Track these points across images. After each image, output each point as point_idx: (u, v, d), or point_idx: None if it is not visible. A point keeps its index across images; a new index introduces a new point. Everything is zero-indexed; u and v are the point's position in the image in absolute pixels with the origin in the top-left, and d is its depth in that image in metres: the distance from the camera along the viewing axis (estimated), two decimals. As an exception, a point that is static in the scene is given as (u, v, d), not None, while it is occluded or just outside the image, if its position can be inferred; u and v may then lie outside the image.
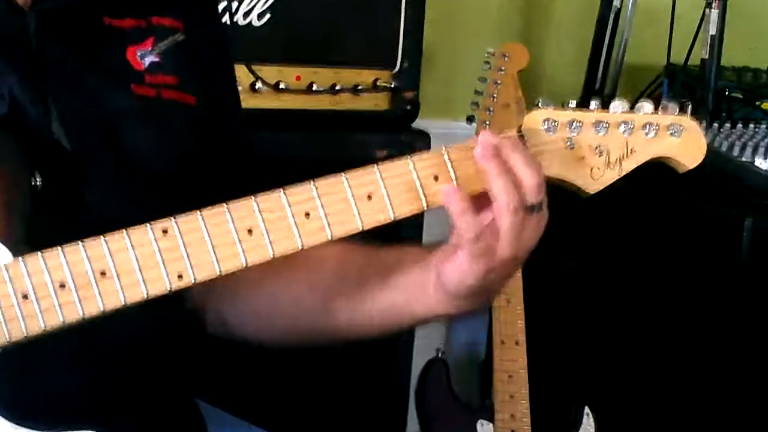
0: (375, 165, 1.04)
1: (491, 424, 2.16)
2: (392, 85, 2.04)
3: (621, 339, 2.28)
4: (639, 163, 1.10)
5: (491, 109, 2.08)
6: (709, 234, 2.09)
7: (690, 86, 2.32)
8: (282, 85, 1.95)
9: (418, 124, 2.10)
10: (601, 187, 1.10)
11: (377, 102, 2.04)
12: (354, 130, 2.02)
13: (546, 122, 1.10)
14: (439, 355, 2.26)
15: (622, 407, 2.25)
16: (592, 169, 1.09)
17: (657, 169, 1.13)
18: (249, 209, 1.02)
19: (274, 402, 1.97)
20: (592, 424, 2.20)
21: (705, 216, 2.09)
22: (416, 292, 1.10)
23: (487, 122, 2.07)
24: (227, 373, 1.84)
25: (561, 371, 2.33)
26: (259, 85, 1.92)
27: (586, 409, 2.21)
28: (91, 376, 1.10)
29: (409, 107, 2.06)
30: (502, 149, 1.04)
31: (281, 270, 1.18)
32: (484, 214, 1.05)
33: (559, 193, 1.10)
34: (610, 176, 1.10)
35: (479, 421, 2.18)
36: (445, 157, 1.05)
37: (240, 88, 1.94)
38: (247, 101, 1.87)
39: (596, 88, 2.37)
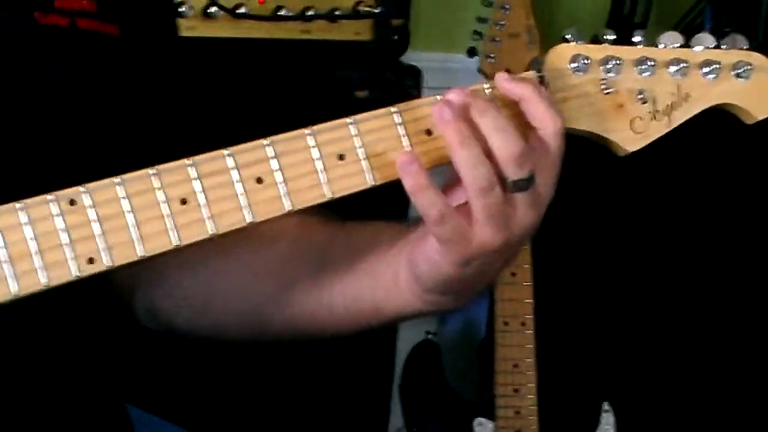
0: (349, 118, 0.98)
1: (491, 423, 2.14)
2: (377, 10, 2.01)
3: (648, 322, 2.28)
4: (695, 113, 1.06)
5: (497, 39, 1.99)
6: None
7: (736, 15, 2.25)
8: (242, 10, 1.93)
9: (408, 57, 2.06)
10: (644, 144, 1.05)
11: (358, 30, 2.01)
12: (329, 66, 2.00)
13: (575, 60, 1.04)
14: (430, 337, 2.24)
15: (646, 403, 2.26)
16: (632, 120, 1.04)
17: (714, 119, 1.08)
18: (182, 174, 0.95)
19: (216, 405, 1.98)
20: (613, 422, 2.17)
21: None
22: (386, 282, 1.06)
23: (493, 55, 1.98)
24: (162, 373, 1.83)
25: (576, 359, 2.32)
26: (213, 9, 1.91)
27: (606, 405, 2.17)
28: None
29: (396, 37, 2.02)
30: (470, 108, 0.98)
31: (222, 248, 1.13)
32: (459, 192, 0.99)
33: (582, 144, 1.06)
34: (657, 129, 1.05)
35: (477, 419, 2.15)
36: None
37: (191, 12, 1.85)
38: (199, 29, 1.87)
39: (624, 15, 2.28)
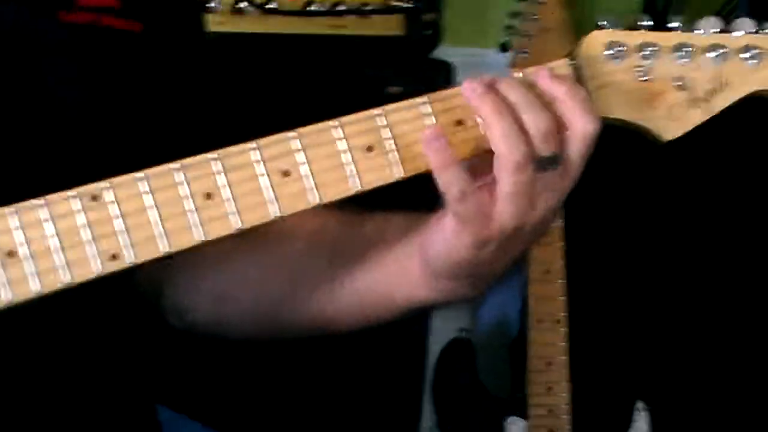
0: (377, 109, 0.96)
1: (524, 422, 2.12)
2: (408, 5, 1.99)
3: (684, 320, 2.26)
4: (735, 99, 1.03)
5: (530, 34, 2.00)
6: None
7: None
8: (272, 5, 1.94)
9: (440, 52, 2.05)
10: (683, 132, 1.03)
11: (389, 26, 2.00)
12: (361, 62, 1.99)
13: (611, 47, 1.02)
14: (463, 335, 2.23)
15: (680, 402, 2.25)
16: (671, 107, 1.02)
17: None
18: (207, 168, 0.94)
19: (244, 404, 1.97)
20: (647, 422, 2.15)
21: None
22: (397, 272, 1.05)
23: (526, 50, 2.00)
24: (191, 373, 1.84)
25: (610, 358, 2.30)
26: (243, 4, 1.91)
27: (640, 404, 2.15)
28: (12, 387, 1.06)
29: (428, 32, 2.02)
30: (498, 85, 0.97)
31: (241, 245, 1.11)
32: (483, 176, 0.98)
33: (617, 133, 1.03)
34: (696, 117, 1.03)
35: (510, 418, 2.14)
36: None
37: (220, 7, 1.85)
38: (228, 24, 1.88)
39: (657, 11, 2.25)
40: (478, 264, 0.99)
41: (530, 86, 0.98)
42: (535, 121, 0.95)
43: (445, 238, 0.98)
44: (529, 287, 2.10)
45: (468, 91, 0.97)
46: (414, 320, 2.00)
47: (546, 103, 0.97)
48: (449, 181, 0.95)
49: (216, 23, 1.86)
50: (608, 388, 2.25)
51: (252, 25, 1.90)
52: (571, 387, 2.09)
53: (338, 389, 2.07)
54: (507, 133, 0.95)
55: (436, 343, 2.19)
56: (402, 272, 1.04)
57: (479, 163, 0.97)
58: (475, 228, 0.96)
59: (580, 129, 0.97)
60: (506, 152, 0.95)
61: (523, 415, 2.11)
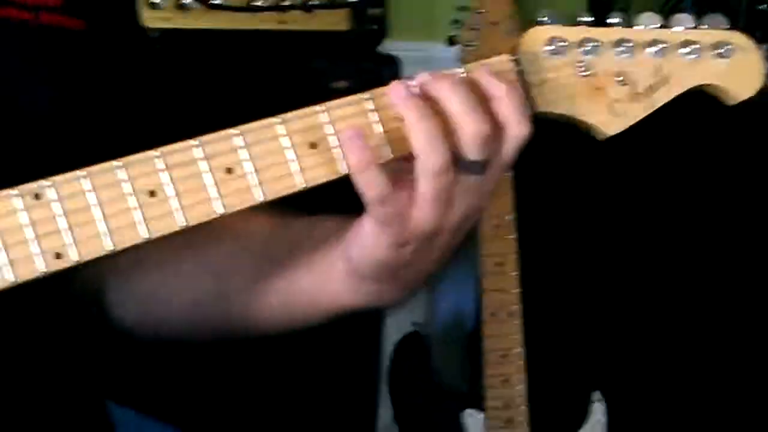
0: (320, 105, 0.96)
1: (481, 415, 2.11)
2: (353, 0, 1.97)
3: (640, 308, 2.27)
4: (675, 94, 1.03)
5: (477, 27, 1.98)
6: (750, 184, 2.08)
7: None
8: (216, 1, 1.90)
9: (387, 47, 2.05)
10: (624, 127, 1.03)
11: (334, 20, 1.98)
12: (306, 57, 2.00)
13: (552, 42, 1.01)
14: (417, 329, 2.23)
15: (639, 392, 2.26)
16: (612, 102, 1.02)
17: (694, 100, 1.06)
18: (150, 165, 0.93)
19: (199, 401, 1.96)
20: (604, 412, 2.15)
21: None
22: (323, 274, 1.04)
23: (473, 43, 1.98)
24: (144, 369, 1.83)
25: (566, 348, 2.31)
26: (188, 0, 1.88)
27: (597, 395, 2.15)
28: None
29: (374, 26, 2.02)
30: (438, 84, 0.96)
31: (166, 246, 1.09)
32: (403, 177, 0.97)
33: (567, 130, 1.04)
34: (637, 112, 1.03)
35: (467, 411, 2.13)
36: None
37: (165, 3, 1.84)
38: (174, 20, 1.85)
39: (603, 2, 2.28)
40: (399, 265, 0.99)
41: (472, 85, 0.97)
42: (471, 126, 0.95)
43: (364, 239, 0.97)
44: (482, 280, 2.10)
45: (393, 93, 0.96)
46: (368, 314, 2.03)
47: (484, 105, 0.97)
48: (368, 183, 0.94)
49: (161, 19, 1.84)
50: (564, 378, 2.25)
51: (197, 21, 1.88)
52: (527, 379, 2.09)
53: (293, 384, 2.07)
54: (429, 140, 0.94)
55: (391, 337, 2.20)
56: (327, 274, 1.03)
57: (400, 164, 0.97)
58: (394, 229, 0.96)
59: (515, 132, 0.97)
60: (427, 158, 0.94)
61: (480, 407, 2.11)
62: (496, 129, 0.96)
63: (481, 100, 0.97)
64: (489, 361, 2.09)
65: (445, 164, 0.94)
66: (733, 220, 2.22)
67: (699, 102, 1.07)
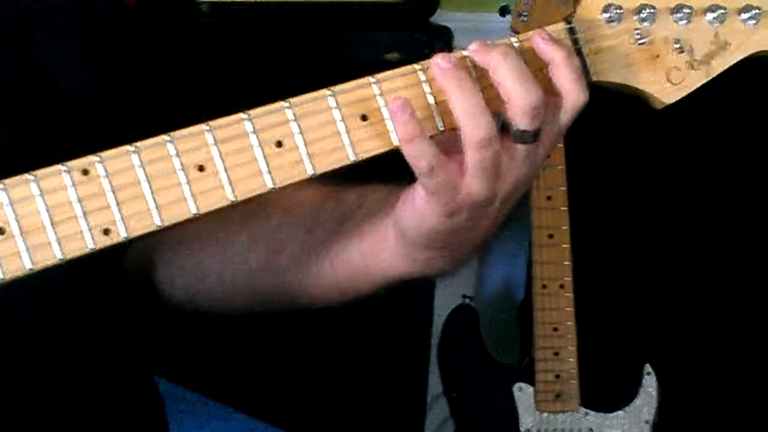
0: (371, 77, 0.95)
1: (531, 388, 2.12)
2: None
3: (690, 282, 2.26)
4: (735, 61, 1.01)
5: None
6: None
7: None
8: None
9: (439, 17, 2.04)
10: (682, 95, 1.01)
11: None
12: (356, 27, 1.97)
13: (607, 9, 1.00)
14: (467, 302, 2.21)
15: (690, 365, 2.24)
16: (669, 70, 1.00)
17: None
18: (199, 140, 0.92)
19: (246, 375, 1.96)
20: (655, 385, 2.14)
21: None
22: (374, 243, 1.03)
23: (525, 14, 1.97)
24: (190, 345, 1.83)
25: (617, 322, 2.28)
26: None
27: (648, 368, 2.15)
28: (7, 367, 1.06)
29: None
30: (483, 55, 0.95)
31: (219, 217, 1.09)
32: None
33: (616, 98, 1.02)
34: (695, 79, 1.01)
35: (516, 384, 2.13)
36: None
37: None
38: None
39: None
40: (450, 233, 0.98)
41: (525, 54, 0.96)
42: (524, 93, 0.93)
43: (415, 208, 0.97)
44: (533, 252, 2.09)
45: (433, 66, 0.95)
46: (418, 288, 2.02)
47: (538, 73, 0.95)
48: (417, 154, 0.94)
49: None
50: (616, 352, 2.23)
51: None
52: (579, 352, 2.09)
53: (343, 359, 2.07)
54: (468, 110, 0.93)
55: (441, 310, 2.18)
56: (378, 243, 1.02)
57: (453, 133, 0.96)
58: (444, 199, 0.95)
59: (572, 100, 0.95)
60: (469, 130, 0.93)
61: (531, 381, 2.11)
62: (549, 98, 0.95)
63: (535, 69, 0.96)
64: (540, 334, 2.09)
65: (487, 137, 0.93)
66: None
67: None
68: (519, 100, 0.93)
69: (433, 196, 0.95)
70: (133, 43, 1.12)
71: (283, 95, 0.95)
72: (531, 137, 0.95)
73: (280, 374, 2.03)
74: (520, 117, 0.94)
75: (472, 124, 0.93)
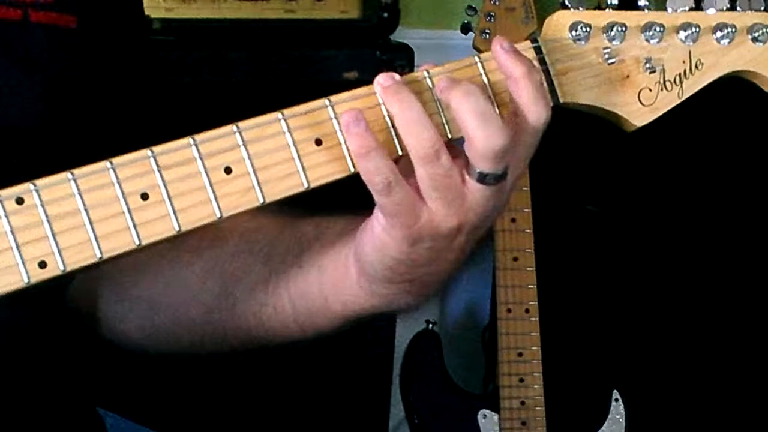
0: (325, 99, 0.92)
1: (496, 415, 2.11)
2: None
3: (658, 306, 2.27)
4: (708, 81, 1.01)
5: (493, 14, 1.98)
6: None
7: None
8: None
9: (400, 35, 2.06)
10: (653, 117, 1.00)
11: (344, 8, 2.01)
12: (315, 47, 1.99)
13: (575, 28, 0.98)
14: (430, 327, 2.21)
15: (658, 391, 2.25)
16: (640, 91, 0.99)
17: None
18: (142, 166, 0.89)
19: (201, 405, 1.96)
20: (623, 412, 2.15)
21: None
22: (333, 275, 1.01)
23: (488, 31, 1.98)
24: (136, 377, 1.81)
25: (583, 347, 2.30)
26: None
27: (615, 394, 2.15)
28: None
29: (386, 14, 2.02)
30: (457, 90, 0.91)
31: (171, 247, 1.09)
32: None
33: (579, 118, 1.01)
34: (667, 101, 1.00)
35: (481, 411, 2.12)
36: (425, 75, 0.94)
37: None
38: (178, 10, 1.87)
39: None
40: (413, 265, 0.95)
41: (492, 75, 0.94)
42: (486, 136, 0.90)
43: (375, 236, 0.94)
44: (497, 275, 2.09)
45: (375, 86, 0.92)
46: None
47: (504, 95, 0.93)
48: (372, 170, 0.91)
49: (164, 9, 1.85)
50: (583, 378, 2.24)
51: (200, 10, 1.89)
52: (544, 378, 2.08)
53: (304, 384, 2.06)
54: (409, 122, 0.90)
55: (403, 335, 2.18)
56: (338, 276, 1.00)
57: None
58: (404, 223, 0.92)
59: (532, 119, 0.92)
60: (411, 143, 0.91)
61: (496, 408, 2.10)
62: (513, 136, 0.92)
63: (500, 91, 0.93)
64: (504, 359, 2.08)
65: (430, 151, 0.91)
66: (751, 218, 2.23)
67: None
68: (479, 143, 0.90)
69: (393, 219, 0.92)
70: (74, 66, 1.10)
71: (237, 117, 0.92)
72: (495, 179, 0.92)
73: (238, 403, 2.02)
74: (479, 160, 0.91)
75: (414, 137, 0.91)
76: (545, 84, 0.95)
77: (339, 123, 0.92)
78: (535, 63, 0.96)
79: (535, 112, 0.93)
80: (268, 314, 1.06)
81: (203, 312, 1.11)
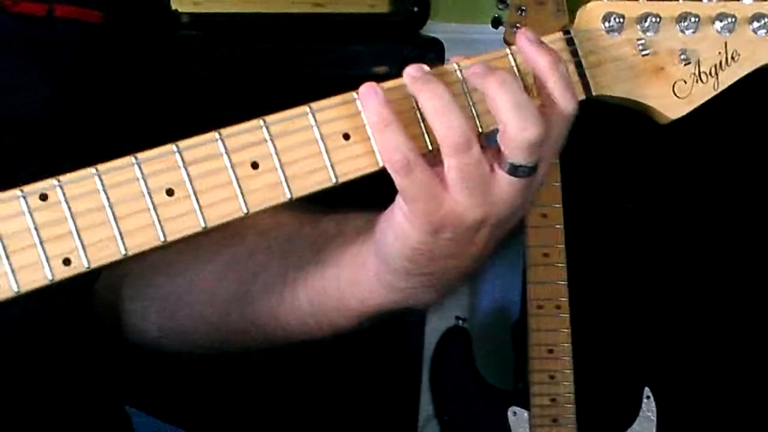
0: (354, 92, 0.90)
1: (526, 412, 2.11)
2: None
3: (690, 303, 2.26)
4: (744, 73, 0.99)
5: (523, 7, 1.97)
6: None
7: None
8: None
9: (429, 29, 2.06)
10: (689, 109, 0.99)
11: (373, 2, 2.01)
12: (344, 41, 1.98)
13: (608, 19, 0.97)
14: (460, 323, 2.22)
15: (689, 388, 2.24)
16: (674, 83, 0.98)
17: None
18: (167, 161, 0.88)
19: (227, 402, 1.97)
20: (654, 409, 2.14)
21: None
22: (352, 272, 1.00)
23: (518, 25, 1.96)
24: (164, 375, 1.80)
25: (614, 344, 2.30)
26: None
27: (646, 391, 2.15)
28: None
29: (416, 8, 2.03)
30: (492, 78, 0.90)
31: (190, 244, 1.06)
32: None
33: (616, 112, 1.01)
34: (703, 93, 0.99)
35: (511, 408, 2.12)
36: (456, 67, 0.92)
37: None
38: (205, 5, 1.87)
39: None
40: (434, 257, 0.93)
41: (525, 77, 0.92)
42: (522, 127, 0.89)
43: (397, 223, 0.92)
44: (527, 272, 2.08)
45: (405, 77, 0.90)
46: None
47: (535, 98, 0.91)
48: (390, 146, 0.89)
49: (192, 3, 1.85)
50: (614, 375, 2.23)
51: (228, 4, 1.89)
52: (575, 375, 2.07)
53: (334, 380, 2.06)
54: (439, 110, 0.88)
55: (433, 331, 2.19)
56: (356, 272, 0.98)
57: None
58: (425, 208, 0.90)
59: (558, 110, 0.91)
60: (441, 132, 0.89)
61: (526, 405, 2.10)
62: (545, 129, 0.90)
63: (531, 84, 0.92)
64: (535, 356, 2.07)
65: (462, 140, 0.89)
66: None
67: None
68: (514, 132, 0.89)
69: (415, 205, 0.91)
70: (99, 62, 1.09)
71: (265, 112, 0.91)
72: (527, 171, 0.90)
73: (265, 402, 2.02)
74: (512, 151, 0.89)
75: (445, 126, 0.89)
76: (573, 75, 0.94)
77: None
78: (567, 54, 0.94)
79: (563, 103, 0.91)
80: (285, 311, 1.05)
81: (221, 310, 1.10)
